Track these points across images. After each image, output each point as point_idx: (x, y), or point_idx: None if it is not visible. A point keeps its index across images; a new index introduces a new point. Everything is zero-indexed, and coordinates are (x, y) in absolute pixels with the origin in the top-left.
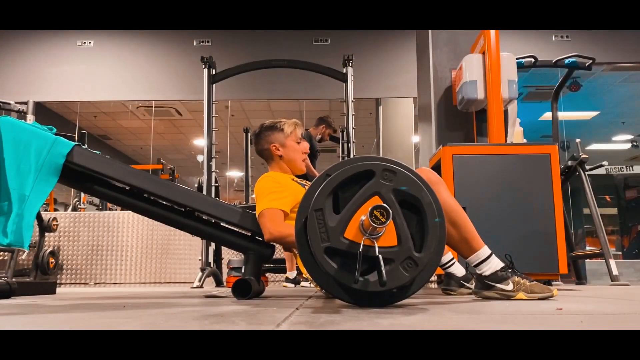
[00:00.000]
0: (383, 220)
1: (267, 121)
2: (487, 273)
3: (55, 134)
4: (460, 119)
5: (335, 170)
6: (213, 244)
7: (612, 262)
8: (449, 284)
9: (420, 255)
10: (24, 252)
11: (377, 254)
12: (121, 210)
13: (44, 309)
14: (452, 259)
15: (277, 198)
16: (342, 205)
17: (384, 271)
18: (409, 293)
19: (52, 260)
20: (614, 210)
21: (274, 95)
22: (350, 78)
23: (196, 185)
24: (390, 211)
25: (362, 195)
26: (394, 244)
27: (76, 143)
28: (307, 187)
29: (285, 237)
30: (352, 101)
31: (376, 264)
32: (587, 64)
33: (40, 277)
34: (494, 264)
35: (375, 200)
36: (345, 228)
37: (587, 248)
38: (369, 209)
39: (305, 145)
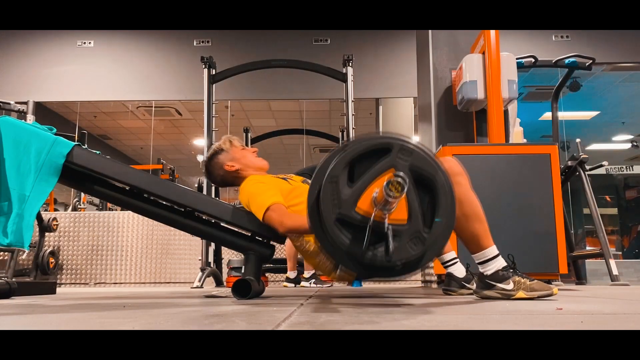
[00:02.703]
0: (398, 193)
1: (204, 157)
2: (490, 272)
3: (55, 134)
4: (460, 119)
5: (353, 144)
6: (213, 244)
7: (612, 262)
8: (449, 284)
9: (429, 233)
10: (24, 252)
11: (387, 228)
12: (121, 210)
13: (44, 309)
14: (455, 258)
15: (273, 194)
16: (357, 178)
17: (391, 245)
18: (415, 269)
19: (52, 260)
20: (614, 210)
21: (274, 95)
22: (350, 78)
23: (196, 185)
24: (406, 184)
25: (377, 170)
26: (404, 220)
27: (76, 143)
28: (290, 181)
29: (299, 226)
30: (352, 101)
31: (385, 237)
32: (587, 64)
33: (40, 277)
34: (498, 264)
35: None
36: (357, 200)
37: (587, 248)
38: (386, 180)
39: (252, 147)
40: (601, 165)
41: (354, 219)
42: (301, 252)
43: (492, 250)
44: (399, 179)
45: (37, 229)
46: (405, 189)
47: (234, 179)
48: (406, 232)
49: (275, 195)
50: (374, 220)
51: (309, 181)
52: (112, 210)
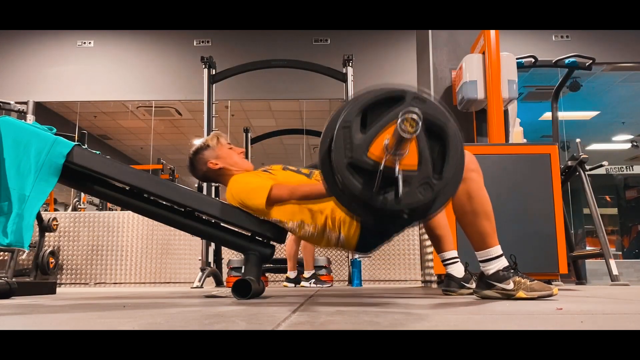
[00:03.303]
0: (412, 129)
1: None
2: (491, 272)
3: (55, 134)
4: (460, 119)
5: (366, 92)
6: (213, 244)
7: (612, 262)
8: (449, 284)
9: (437, 181)
10: (24, 252)
11: (397, 172)
12: (121, 210)
13: (44, 309)
14: (456, 257)
15: (265, 180)
16: (370, 125)
17: (401, 189)
18: (423, 216)
19: (52, 260)
20: (614, 210)
21: (274, 95)
22: (350, 78)
23: (196, 185)
24: (420, 123)
25: (391, 116)
26: (414, 167)
27: (76, 143)
28: (271, 171)
29: (309, 191)
30: None
31: (395, 183)
32: (587, 64)
33: (40, 277)
34: (500, 264)
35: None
36: (370, 145)
37: (587, 248)
38: (400, 116)
39: (239, 148)
40: (601, 165)
41: (366, 164)
42: (306, 239)
43: (497, 249)
44: (414, 116)
45: (37, 229)
46: (419, 126)
47: (216, 177)
48: (416, 178)
49: (266, 180)
50: (385, 166)
51: (290, 167)
52: (112, 210)
